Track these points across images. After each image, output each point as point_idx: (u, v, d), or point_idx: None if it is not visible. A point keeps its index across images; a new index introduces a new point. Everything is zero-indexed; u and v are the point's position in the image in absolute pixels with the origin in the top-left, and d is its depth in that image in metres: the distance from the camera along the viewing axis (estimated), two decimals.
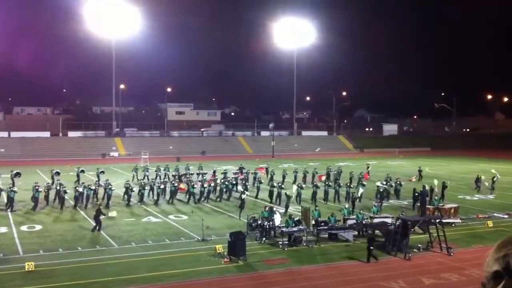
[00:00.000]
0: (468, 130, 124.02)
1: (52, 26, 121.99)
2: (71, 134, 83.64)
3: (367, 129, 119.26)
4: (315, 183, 36.18)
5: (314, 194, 33.34)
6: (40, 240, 23.26)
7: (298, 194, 33.00)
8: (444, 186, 34.52)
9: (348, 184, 35.70)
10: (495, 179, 38.74)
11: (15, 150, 71.88)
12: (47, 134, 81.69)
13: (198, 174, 42.91)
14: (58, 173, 39.79)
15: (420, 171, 45.62)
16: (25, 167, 55.19)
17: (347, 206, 27.42)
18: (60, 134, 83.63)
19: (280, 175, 42.01)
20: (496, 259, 1.61)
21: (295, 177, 41.63)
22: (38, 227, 25.92)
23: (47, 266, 19.08)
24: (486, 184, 38.58)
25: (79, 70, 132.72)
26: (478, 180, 39.76)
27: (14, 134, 78.61)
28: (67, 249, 21.68)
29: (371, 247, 20.09)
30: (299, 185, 34.80)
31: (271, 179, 40.53)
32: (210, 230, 24.44)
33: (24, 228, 25.67)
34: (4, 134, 78.72)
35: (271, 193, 34.00)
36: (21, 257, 20.41)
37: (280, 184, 35.60)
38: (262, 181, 38.55)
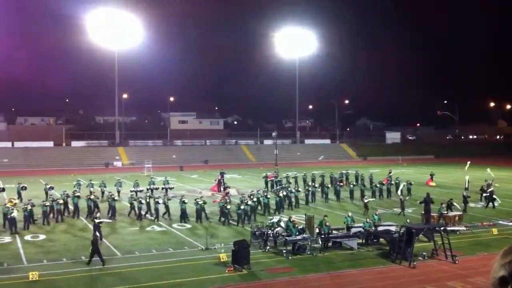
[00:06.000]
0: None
1: (55, 37, 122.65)
2: (74, 143, 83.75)
3: (370, 137, 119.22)
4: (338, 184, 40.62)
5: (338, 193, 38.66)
6: (44, 250, 23.26)
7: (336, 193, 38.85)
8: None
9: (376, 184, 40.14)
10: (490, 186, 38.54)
11: (19, 160, 71.98)
12: (50, 144, 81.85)
13: (163, 188, 40.80)
14: (52, 188, 38.17)
15: (432, 175, 48.44)
16: (28, 177, 55.30)
17: (350, 214, 27.33)
18: (64, 144, 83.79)
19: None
20: (502, 265, 1.61)
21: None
22: (42, 237, 25.93)
23: (51, 276, 19.07)
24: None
25: (82, 80, 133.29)
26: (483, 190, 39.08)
27: (17, 144, 78.72)
28: (71, 259, 21.64)
29: (96, 251, 20.43)
30: (409, 182, 40.10)
31: (304, 182, 44.57)
32: (214, 239, 24.43)
33: (28, 237, 25.67)
34: (8, 144, 78.86)
35: (307, 197, 37.25)
36: (25, 266, 20.40)
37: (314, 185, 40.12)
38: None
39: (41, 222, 28.89)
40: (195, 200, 30.34)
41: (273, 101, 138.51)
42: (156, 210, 30.25)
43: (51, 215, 29.99)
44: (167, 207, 30.72)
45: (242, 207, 29.17)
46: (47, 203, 29.97)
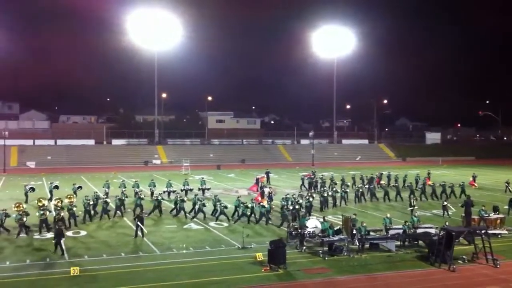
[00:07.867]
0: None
1: (97, 38, 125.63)
2: (115, 142, 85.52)
3: (409, 137, 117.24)
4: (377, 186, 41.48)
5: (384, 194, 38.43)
6: (85, 246, 23.82)
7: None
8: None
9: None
10: None
11: (61, 157, 74.04)
12: (91, 142, 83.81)
13: (200, 189, 40.30)
14: (80, 187, 38.92)
15: (474, 177, 47.63)
16: (70, 174, 56.84)
17: (388, 215, 26.97)
18: (104, 142, 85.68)
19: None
20: None
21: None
22: (83, 233, 26.56)
23: (92, 271, 19.53)
24: None
25: (123, 80, 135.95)
26: None
27: (60, 142, 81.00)
28: (110, 255, 22.13)
29: (58, 243, 21.90)
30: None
31: (332, 183, 43.48)
32: (250, 238, 24.53)
33: (69, 233, 26.32)
34: (51, 142, 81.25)
35: (356, 197, 37.41)
36: (67, 261, 20.96)
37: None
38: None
39: (105, 217, 30.35)
40: (259, 203, 30.46)
41: (311, 100, 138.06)
42: (222, 211, 30.06)
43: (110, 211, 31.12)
44: (215, 208, 30.77)
45: (296, 206, 29.44)
46: (108, 200, 31.48)
